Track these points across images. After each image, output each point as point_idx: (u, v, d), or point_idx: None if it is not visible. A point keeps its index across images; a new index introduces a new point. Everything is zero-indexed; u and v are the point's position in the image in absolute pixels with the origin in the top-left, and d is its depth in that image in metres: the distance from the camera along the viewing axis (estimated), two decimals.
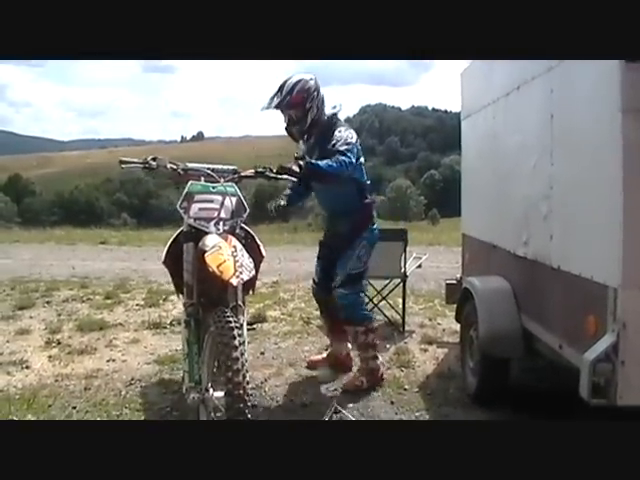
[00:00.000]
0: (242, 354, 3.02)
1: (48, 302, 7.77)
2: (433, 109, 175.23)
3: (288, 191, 4.95)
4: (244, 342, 3.51)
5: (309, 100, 4.49)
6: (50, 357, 5.45)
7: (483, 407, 4.28)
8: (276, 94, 4.46)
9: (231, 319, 3.11)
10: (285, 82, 4.48)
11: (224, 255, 3.19)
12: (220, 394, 3.24)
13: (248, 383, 3.04)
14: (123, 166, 3.80)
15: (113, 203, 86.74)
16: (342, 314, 4.72)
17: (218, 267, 3.13)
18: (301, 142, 4.73)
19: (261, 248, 4.09)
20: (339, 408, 4.14)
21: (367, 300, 6.42)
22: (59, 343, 5.84)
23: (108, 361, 5.35)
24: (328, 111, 4.63)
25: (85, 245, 14.42)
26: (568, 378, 3.33)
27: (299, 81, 4.48)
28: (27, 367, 5.18)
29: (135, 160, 3.80)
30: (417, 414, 4.23)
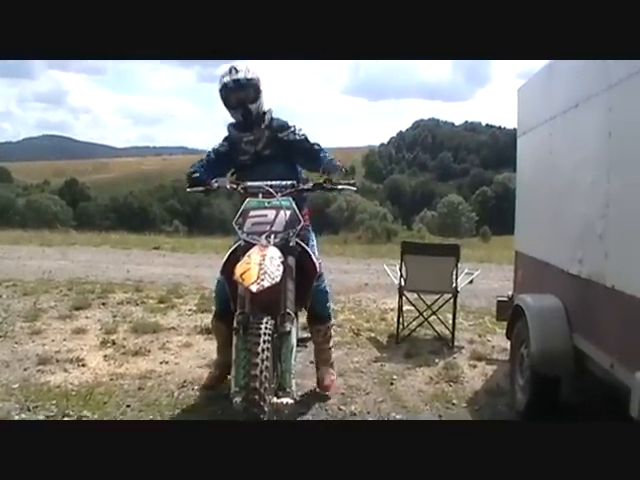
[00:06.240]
0: (262, 361, 3.14)
1: (104, 303, 7.97)
2: (487, 125, 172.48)
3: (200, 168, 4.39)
4: (292, 349, 3.57)
5: (260, 82, 4.31)
6: (105, 356, 5.60)
7: None
8: (233, 73, 4.23)
9: (260, 326, 3.27)
10: (233, 66, 4.25)
11: (250, 264, 3.36)
12: (274, 399, 3.33)
13: (266, 389, 3.15)
14: (189, 190, 4.25)
15: (166, 209, 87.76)
16: (318, 311, 4.65)
17: (241, 275, 3.31)
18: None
19: (315, 262, 4.11)
20: None
21: (417, 314, 6.45)
22: (114, 343, 5.99)
23: (161, 363, 5.47)
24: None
25: (139, 250, 14.68)
26: (618, 398, 3.32)
27: (246, 65, 4.28)
28: (83, 365, 5.33)
29: (199, 188, 4.21)
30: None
